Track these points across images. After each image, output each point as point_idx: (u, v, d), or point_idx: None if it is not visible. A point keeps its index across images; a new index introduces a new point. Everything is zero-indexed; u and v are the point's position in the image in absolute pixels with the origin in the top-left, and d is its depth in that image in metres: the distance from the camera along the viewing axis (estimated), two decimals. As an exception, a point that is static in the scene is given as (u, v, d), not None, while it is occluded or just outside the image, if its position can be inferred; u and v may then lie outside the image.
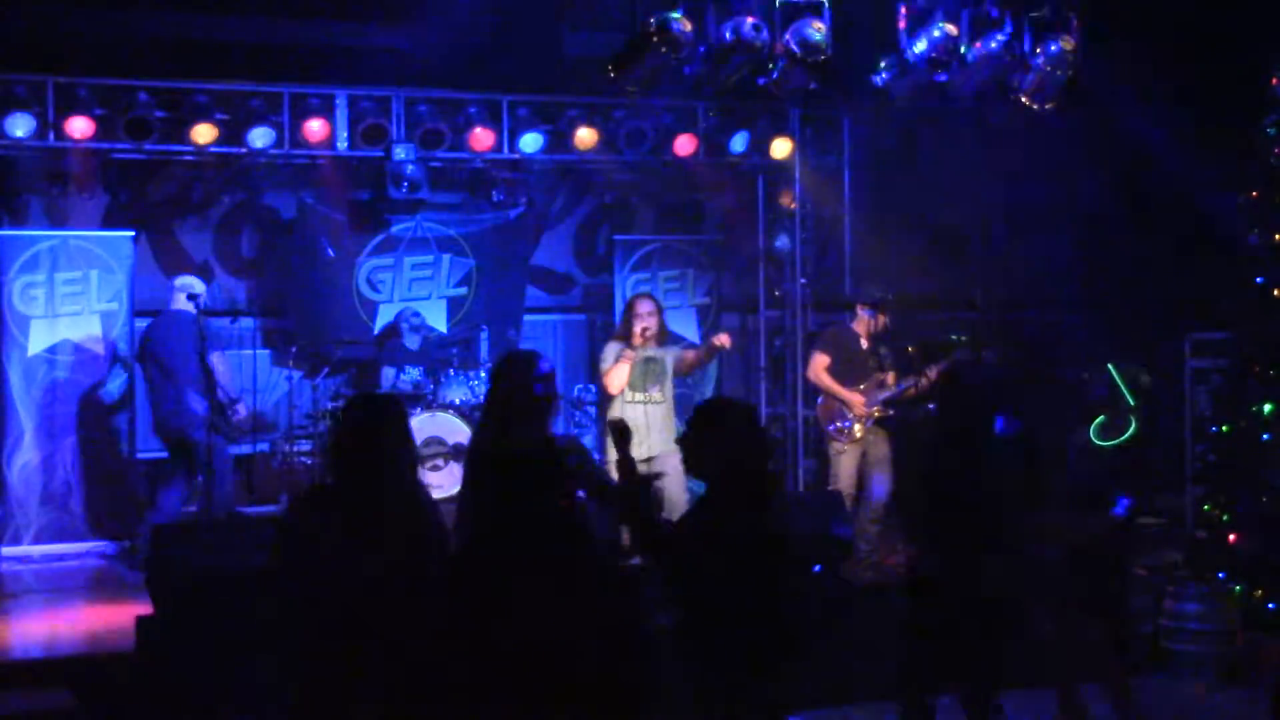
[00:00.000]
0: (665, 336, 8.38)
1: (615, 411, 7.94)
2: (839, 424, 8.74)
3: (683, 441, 4.52)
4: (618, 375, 8.00)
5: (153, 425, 9.19)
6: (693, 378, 11.32)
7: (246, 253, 11.37)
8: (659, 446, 7.93)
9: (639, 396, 8.07)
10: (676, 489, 7.32)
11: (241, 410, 9.14)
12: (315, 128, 9.91)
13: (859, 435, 8.68)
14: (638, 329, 8.04)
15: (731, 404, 4.63)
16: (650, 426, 7.98)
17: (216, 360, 8.75)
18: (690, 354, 8.48)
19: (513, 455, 4.06)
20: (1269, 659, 7.38)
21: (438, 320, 11.33)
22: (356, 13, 10.55)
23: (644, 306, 8.17)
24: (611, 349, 8.17)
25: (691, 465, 4.50)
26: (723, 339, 8.18)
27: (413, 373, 10.46)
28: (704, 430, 4.41)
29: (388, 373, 10.48)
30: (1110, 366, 6.41)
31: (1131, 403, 6.33)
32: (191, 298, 8.86)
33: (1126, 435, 6.35)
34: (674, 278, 11.43)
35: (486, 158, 10.54)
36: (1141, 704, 6.39)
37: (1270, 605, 7.65)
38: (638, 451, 7.89)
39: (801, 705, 6.43)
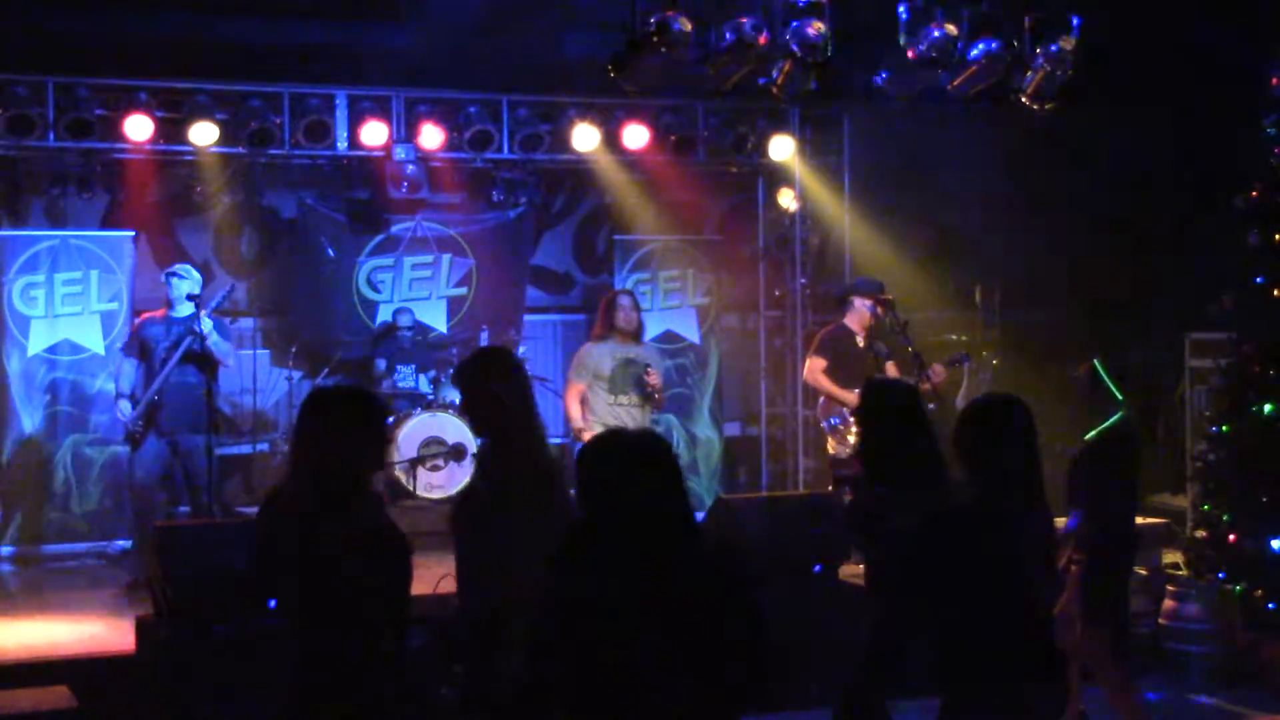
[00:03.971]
0: (640, 334, 8.46)
1: (601, 415, 7.97)
2: (835, 420, 8.72)
3: None
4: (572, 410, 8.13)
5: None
6: (692, 377, 11.35)
7: (246, 253, 11.36)
8: None
9: (620, 399, 8.10)
10: None
11: (125, 408, 8.48)
12: (315, 128, 9.91)
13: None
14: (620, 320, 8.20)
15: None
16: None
17: (122, 358, 8.77)
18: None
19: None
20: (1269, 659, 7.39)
21: (438, 320, 11.32)
22: (356, 13, 10.55)
23: (627, 301, 8.36)
24: (586, 359, 8.23)
25: None
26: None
27: (406, 371, 10.46)
28: None
29: (380, 366, 10.50)
30: (1095, 362, 6.37)
31: (1119, 398, 6.29)
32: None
33: (1102, 428, 6.30)
34: (674, 278, 11.42)
35: (486, 157, 10.53)
36: (1141, 704, 6.39)
37: (1270, 605, 7.65)
38: None
39: (801, 705, 6.45)
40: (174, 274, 8.70)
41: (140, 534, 8.47)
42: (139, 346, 8.65)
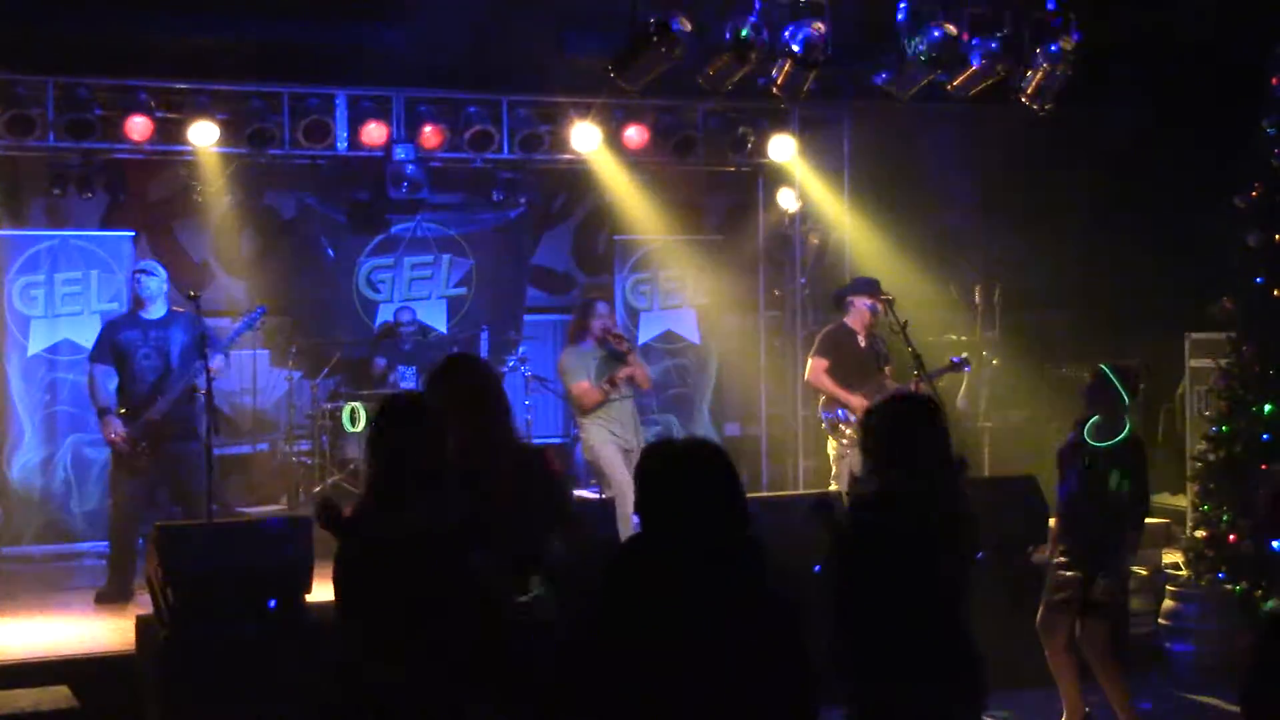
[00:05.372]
0: (608, 343, 8.58)
1: (602, 408, 8.09)
2: (835, 415, 8.69)
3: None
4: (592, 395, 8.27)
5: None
6: (693, 378, 11.35)
7: (246, 253, 11.36)
8: (635, 442, 8.20)
9: (615, 393, 8.27)
10: None
11: (117, 425, 7.99)
12: (315, 128, 9.91)
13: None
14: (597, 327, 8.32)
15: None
16: (627, 422, 8.30)
17: (94, 367, 8.16)
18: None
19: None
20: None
21: (438, 320, 11.32)
22: (356, 13, 10.53)
23: (605, 308, 8.54)
24: (576, 360, 8.33)
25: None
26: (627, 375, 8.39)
27: (407, 372, 10.45)
28: None
29: (379, 365, 10.48)
30: (1104, 366, 6.36)
31: (1126, 402, 6.29)
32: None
33: (1120, 437, 6.30)
34: (674, 278, 11.42)
35: (486, 158, 10.53)
36: (1141, 704, 6.40)
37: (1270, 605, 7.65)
38: (627, 447, 8.09)
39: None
40: (146, 271, 8.24)
41: (118, 549, 8.22)
42: (112, 352, 8.07)
